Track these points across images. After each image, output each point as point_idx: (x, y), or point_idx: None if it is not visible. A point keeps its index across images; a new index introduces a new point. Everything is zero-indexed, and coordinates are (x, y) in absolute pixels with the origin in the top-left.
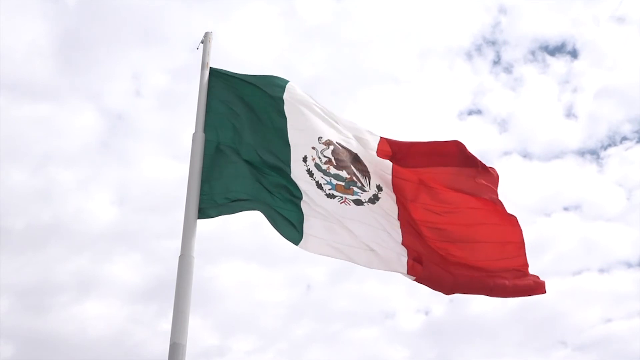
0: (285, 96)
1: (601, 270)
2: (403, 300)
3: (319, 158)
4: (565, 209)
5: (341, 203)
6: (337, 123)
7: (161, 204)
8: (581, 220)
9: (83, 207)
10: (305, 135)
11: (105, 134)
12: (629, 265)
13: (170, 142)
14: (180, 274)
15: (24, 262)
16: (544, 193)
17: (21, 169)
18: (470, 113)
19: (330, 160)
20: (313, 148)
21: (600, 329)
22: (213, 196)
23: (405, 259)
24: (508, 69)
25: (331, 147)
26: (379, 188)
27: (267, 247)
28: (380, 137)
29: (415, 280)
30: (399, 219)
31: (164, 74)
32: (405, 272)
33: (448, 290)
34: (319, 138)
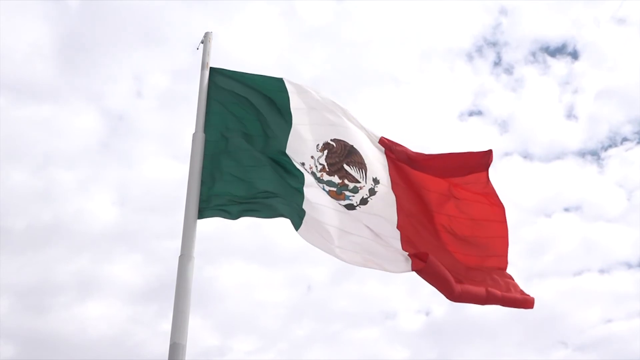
0: (290, 94)
1: (601, 271)
2: (403, 300)
3: (316, 167)
4: (566, 209)
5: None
6: (338, 113)
7: (162, 204)
8: (582, 221)
9: (83, 208)
10: (305, 143)
11: (106, 134)
12: (629, 265)
13: (170, 143)
14: (180, 274)
15: (24, 262)
16: (544, 194)
17: (22, 169)
18: (470, 114)
19: (324, 167)
20: (312, 157)
21: (600, 330)
22: (213, 198)
23: (405, 254)
24: (509, 70)
25: (325, 152)
26: (376, 181)
27: (267, 247)
28: (381, 137)
29: (414, 270)
30: (397, 209)
31: (165, 75)
32: (404, 263)
33: (448, 294)
34: (317, 145)
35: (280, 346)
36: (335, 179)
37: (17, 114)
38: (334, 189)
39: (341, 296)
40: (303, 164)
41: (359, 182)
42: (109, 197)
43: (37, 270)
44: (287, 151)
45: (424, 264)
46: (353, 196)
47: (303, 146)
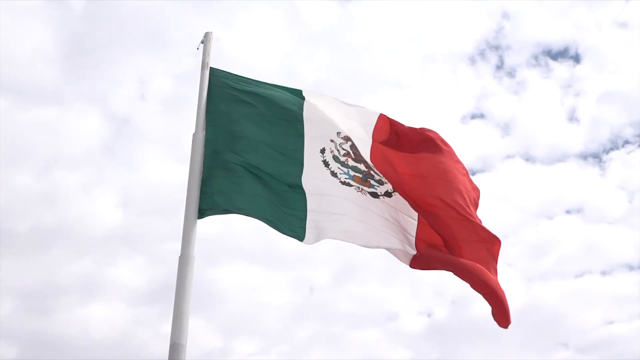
0: (304, 92)
1: (603, 273)
2: (405, 302)
3: (337, 150)
4: (568, 211)
5: (358, 192)
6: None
7: (165, 206)
8: (583, 223)
9: (87, 210)
10: (323, 127)
11: (109, 137)
12: (630, 267)
13: (174, 146)
14: (180, 274)
15: (28, 264)
16: (546, 196)
17: (26, 172)
18: (473, 117)
19: (348, 153)
20: (332, 141)
21: (602, 331)
22: (214, 198)
23: (413, 252)
24: (511, 74)
25: (349, 142)
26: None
27: (270, 249)
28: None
29: (411, 264)
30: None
31: (168, 78)
32: (408, 262)
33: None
34: (337, 132)
35: (282, 347)
36: (362, 167)
37: (21, 117)
38: (359, 175)
39: (343, 298)
40: (323, 150)
41: (382, 178)
42: (112, 199)
43: (40, 273)
44: (305, 141)
45: (419, 262)
46: (378, 187)
47: (321, 130)
